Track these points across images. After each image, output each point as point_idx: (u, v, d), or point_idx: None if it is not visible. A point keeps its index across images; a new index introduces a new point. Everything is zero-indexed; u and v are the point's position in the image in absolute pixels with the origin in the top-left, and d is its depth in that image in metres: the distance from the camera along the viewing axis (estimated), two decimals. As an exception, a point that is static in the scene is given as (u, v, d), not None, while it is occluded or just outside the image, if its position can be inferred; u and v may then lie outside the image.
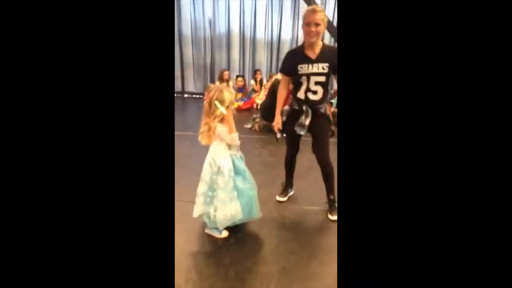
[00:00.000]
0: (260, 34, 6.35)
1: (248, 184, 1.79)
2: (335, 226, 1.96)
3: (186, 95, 6.58)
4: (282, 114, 2.02)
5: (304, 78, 1.88)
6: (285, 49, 6.35)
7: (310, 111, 1.92)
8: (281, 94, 2.05)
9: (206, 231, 1.84)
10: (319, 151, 1.97)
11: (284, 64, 1.99)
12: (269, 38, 6.33)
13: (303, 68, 1.85)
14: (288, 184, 2.29)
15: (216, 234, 1.82)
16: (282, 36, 6.32)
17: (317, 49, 1.83)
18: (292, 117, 1.99)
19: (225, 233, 1.82)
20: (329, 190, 2.05)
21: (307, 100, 1.93)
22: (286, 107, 2.03)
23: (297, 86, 1.94)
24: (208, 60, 6.49)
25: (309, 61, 1.84)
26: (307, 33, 1.78)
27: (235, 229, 1.84)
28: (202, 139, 1.73)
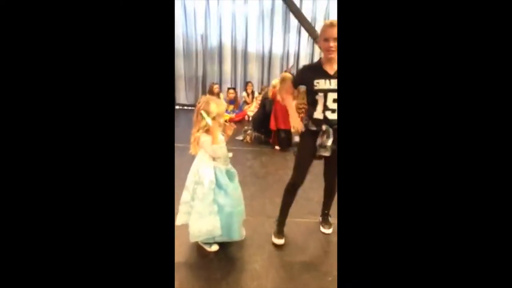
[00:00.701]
0: (252, 48, 6.43)
1: (230, 201, 1.70)
2: (326, 238, 1.95)
3: (177, 107, 6.57)
4: (297, 137, 1.88)
5: (320, 95, 1.68)
6: (276, 62, 6.47)
7: (331, 131, 1.70)
8: (289, 99, 1.93)
9: (199, 242, 1.80)
10: (331, 173, 1.89)
11: (298, 77, 1.86)
12: (261, 51, 6.42)
13: (320, 84, 1.67)
14: (281, 222, 1.96)
15: (206, 247, 1.78)
16: (273, 50, 6.42)
17: (336, 65, 1.66)
18: (308, 139, 1.78)
19: (215, 247, 1.78)
20: (327, 206, 2.05)
21: (325, 120, 1.71)
22: (301, 130, 1.82)
23: (313, 104, 1.73)
24: (200, 73, 6.53)
25: (327, 76, 1.66)
26: (325, 49, 1.64)
27: (226, 243, 1.81)
28: (191, 149, 1.71)
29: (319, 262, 1.73)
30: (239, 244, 1.85)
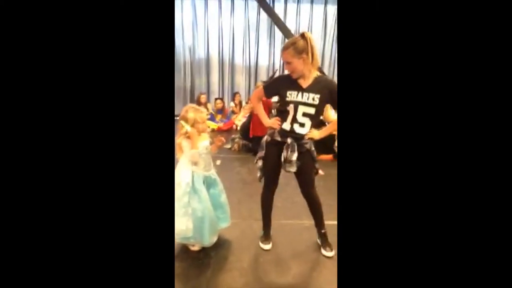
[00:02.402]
0: (239, 59, 6.60)
1: (202, 206, 1.76)
2: (311, 236, 2.06)
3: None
4: (261, 145, 1.86)
5: (291, 107, 1.70)
6: (263, 73, 6.64)
7: (295, 145, 1.72)
8: (257, 104, 1.93)
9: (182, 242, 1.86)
10: (307, 188, 1.86)
11: (272, 85, 1.87)
12: (247, 63, 6.59)
13: (292, 95, 1.69)
14: (266, 227, 2.02)
15: (190, 246, 1.88)
16: (259, 61, 6.61)
17: (310, 79, 1.68)
18: (273, 150, 1.79)
19: (197, 247, 1.87)
20: (320, 225, 1.94)
21: (292, 132, 1.73)
22: (267, 137, 1.83)
23: (283, 115, 1.75)
24: (188, 84, 6.64)
25: (299, 89, 1.68)
26: (287, 69, 1.69)
27: (212, 246, 1.90)
28: (177, 154, 1.81)
29: (307, 260, 1.84)
30: (228, 245, 1.95)
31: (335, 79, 6.33)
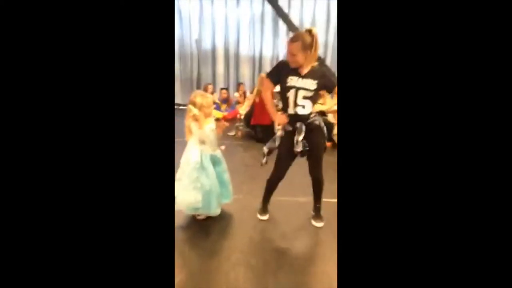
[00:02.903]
0: (244, 51, 6.80)
1: (209, 181, 2.02)
2: (305, 212, 2.32)
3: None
4: (275, 138, 2.04)
5: (292, 91, 1.88)
6: (267, 64, 6.83)
7: (303, 127, 1.92)
8: (269, 97, 2.08)
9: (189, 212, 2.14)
10: (313, 164, 2.03)
11: (274, 71, 2.00)
12: (252, 54, 6.79)
13: (292, 80, 1.87)
14: (265, 202, 2.26)
15: (196, 216, 2.15)
16: (264, 53, 6.79)
17: (308, 67, 1.86)
18: (286, 141, 1.98)
19: (202, 216, 2.15)
20: (317, 199, 2.18)
21: (296, 115, 1.93)
22: (281, 132, 2.01)
23: (285, 100, 1.94)
24: (195, 75, 6.89)
25: (299, 75, 1.86)
26: (289, 60, 1.85)
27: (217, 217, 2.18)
28: (186, 136, 2.07)
29: (299, 236, 2.11)
30: (230, 216, 2.23)
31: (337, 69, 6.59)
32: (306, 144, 1.93)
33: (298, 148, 1.93)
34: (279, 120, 2.02)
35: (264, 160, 2.12)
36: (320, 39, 6.22)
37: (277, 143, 2.05)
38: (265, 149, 2.11)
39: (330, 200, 2.45)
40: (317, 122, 1.96)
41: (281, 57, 6.76)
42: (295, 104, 1.92)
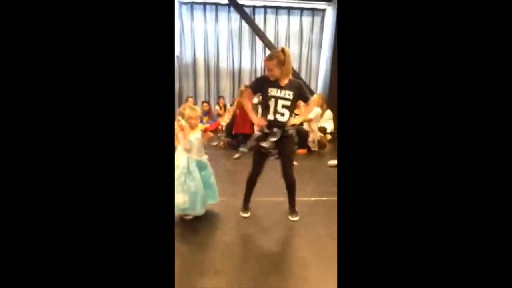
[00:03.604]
0: (223, 65, 7.15)
1: (195, 184, 2.26)
2: (281, 209, 2.59)
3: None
4: (252, 138, 2.35)
5: (272, 101, 2.22)
6: (245, 77, 7.19)
7: (279, 132, 2.25)
8: (249, 104, 2.47)
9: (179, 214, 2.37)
10: (285, 167, 2.35)
11: (256, 83, 2.35)
12: (231, 68, 7.15)
13: (273, 91, 2.21)
14: (246, 201, 2.54)
15: (184, 216, 2.38)
16: (242, 66, 7.18)
17: (285, 80, 2.22)
18: (262, 140, 2.28)
19: (190, 216, 2.38)
20: (292, 200, 2.50)
21: (275, 121, 2.24)
22: (257, 132, 2.33)
23: (266, 107, 2.26)
24: (177, 88, 7.14)
25: (278, 87, 2.21)
26: (269, 74, 2.20)
27: (204, 216, 2.42)
28: (176, 143, 2.32)
29: (276, 228, 2.39)
30: (216, 215, 2.48)
31: (313, 76, 7.07)
32: (274, 147, 2.27)
33: (265, 144, 2.25)
34: (258, 122, 2.35)
35: (237, 155, 2.46)
36: (294, 52, 6.69)
37: (253, 143, 2.36)
38: (240, 149, 2.43)
39: (304, 198, 2.75)
40: (290, 132, 2.30)
41: (258, 70, 7.15)
42: (275, 112, 2.25)
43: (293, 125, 2.34)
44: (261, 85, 2.29)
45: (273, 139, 2.26)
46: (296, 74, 5.90)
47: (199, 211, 2.35)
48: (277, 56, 2.15)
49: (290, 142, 2.33)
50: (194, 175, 2.29)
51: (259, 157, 2.37)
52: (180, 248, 2.00)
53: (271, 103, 2.24)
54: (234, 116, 4.86)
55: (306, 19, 6.94)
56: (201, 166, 2.38)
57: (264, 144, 2.27)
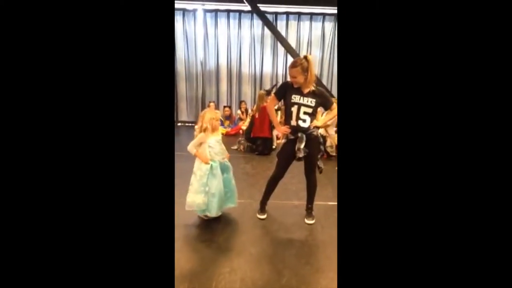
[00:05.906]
0: (245, 70, 7.31)
1: (215, 185, 2.33)
2: (298, 212, 2.64)
3: (179, 124, 7.35)
4: (280, 145, 2.48)
5: (295, 107, 2.28)
6: (267, 82, 7.29)
7: (304, 137, 2.30)
8: (273, 110, 2.59)
9: (197, 214, 2.48)
10: (309, 169, 2.41)
11: (280, 90, 2.42)
12: (253, 73, 7.29)
13: (296, 98, 2.27)
14: (263, 203, 2.58)
15: (202, 216, 2.47)
16: (264, 72, 7.30)
17: (309, 87, 2.28)
18: (287, 146, 2.37)
19: (207, 216, 2.46)
20: (310, 201, 2.54)
21: (298, 127, 2.31)
22: (284, 139, 2.40)
23: (289, 114, 2.34)
24: (200, 93, 7.36)
25: (301, 94, 2.27)
26: (292, 82, 2.27)
27: (222, 217, 2.51)
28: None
29: (293, 230, 2.44)
30: (234, 216, 2.57)
31: (334, 80, 7.08)
32: (306, 150, 2.31)
33: (300, 154, 2.30)
34: (282, 130, 2.43)
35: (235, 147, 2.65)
36: (316, 56, 6.71)
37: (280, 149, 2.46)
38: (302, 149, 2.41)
39: (320, 203, 2.79)
40: (315, 133, 2.35)
41: (280, 76, 7.23)
42: (298, 118, 2.32)
43: (316, 127, 2.39)
44: (284, 91, 2.36)
45: (302, 145, 2.31)
46: (318, 81, 5.92)
47: (214, 213, 2.41)
48: (300, 64, 2.20)
49: (315, 144, 2.37)
50: (217, 177, 2.38)
51: (285, 161, 2.42)
52: (201, 248, 2.11)
53: (294, 109, 2.30)
54: (252, 120, 4.96)
55: (328, 25, 6.96)
56: (223, 169, 2.47)
57: (300, 154, 2.30)
